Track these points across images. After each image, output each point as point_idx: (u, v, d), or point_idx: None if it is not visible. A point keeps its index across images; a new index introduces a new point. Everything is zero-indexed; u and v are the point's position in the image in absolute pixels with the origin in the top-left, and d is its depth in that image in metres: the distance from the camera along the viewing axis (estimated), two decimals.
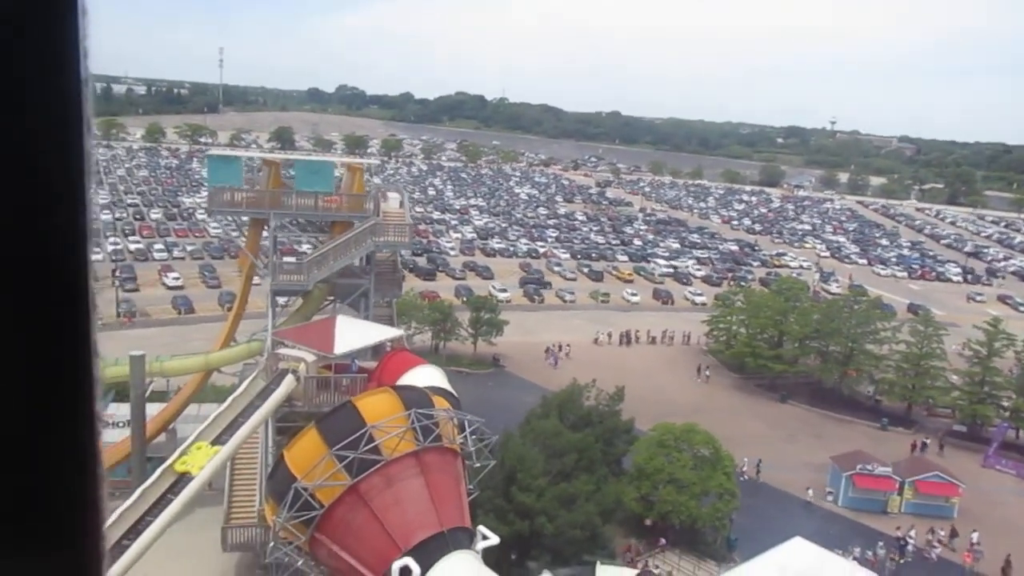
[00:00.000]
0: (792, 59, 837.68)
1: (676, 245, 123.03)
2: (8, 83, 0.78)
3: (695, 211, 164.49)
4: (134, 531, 26.48)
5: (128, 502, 27.45)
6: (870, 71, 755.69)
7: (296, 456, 24.05)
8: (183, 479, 26.55)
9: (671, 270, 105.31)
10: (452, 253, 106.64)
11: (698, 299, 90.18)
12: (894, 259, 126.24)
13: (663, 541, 39.76)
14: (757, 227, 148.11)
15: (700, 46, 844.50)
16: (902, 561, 41.43)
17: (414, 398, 25.21)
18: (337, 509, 23.49)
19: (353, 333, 34.64)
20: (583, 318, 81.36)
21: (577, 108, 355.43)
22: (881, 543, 41.75)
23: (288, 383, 31.93)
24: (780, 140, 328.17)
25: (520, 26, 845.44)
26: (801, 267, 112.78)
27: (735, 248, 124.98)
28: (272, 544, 24.64)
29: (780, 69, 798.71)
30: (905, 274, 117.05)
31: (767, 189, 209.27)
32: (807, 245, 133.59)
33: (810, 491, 47.30)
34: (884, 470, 46.17)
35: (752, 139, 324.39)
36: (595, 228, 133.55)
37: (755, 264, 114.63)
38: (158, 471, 27.08)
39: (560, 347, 68.72)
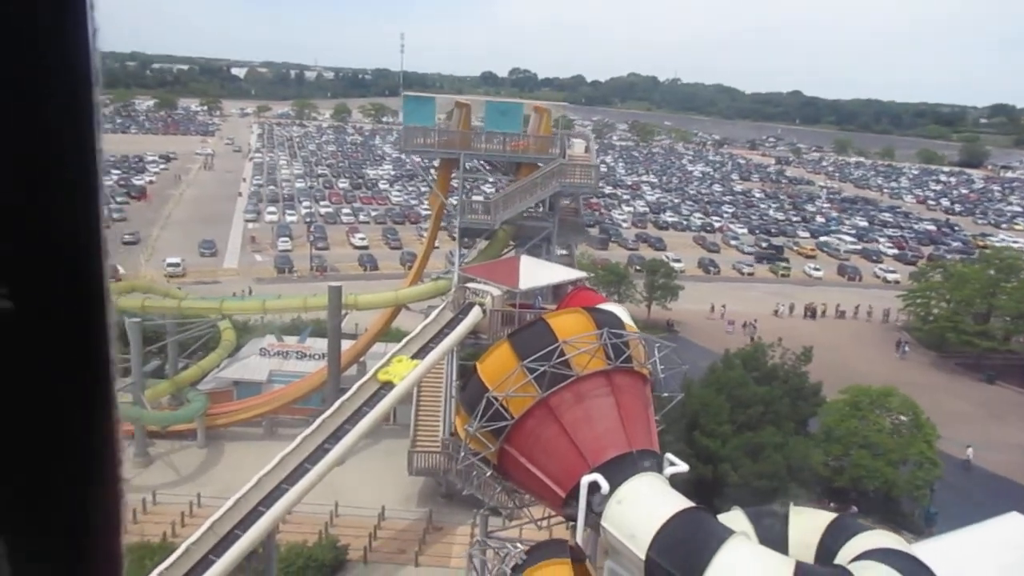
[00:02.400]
0: (1001, 32, 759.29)
1: (864, 223, 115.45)
2: (20, 62, 0.80)
3: (885, 191, 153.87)
4: (334, 437, 28.12)
5: (329, 411, 29.19)
6: None
7: (489, 368, 24.37)
8: (384, 388, 27.88)
9: (858, 247, 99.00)
10: (624, 225, 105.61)
11: (890, 276, 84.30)
12: None
13: (854, 508, 37.32)
14: (957, 208, 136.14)
15: (893, 23, 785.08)
16: None
17: (605, 319, 24.91)
18: (527, 422, 23.60)
19: (537, 271, 34.94)
20: (761, 291, 78.26)
21: (754, 88, 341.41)
22: None
23: (475, 314, 32.70)
24: (984, 120, 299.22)
25: (695, 5, 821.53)
26: (1009, 248, 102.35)
27: (932, 228, 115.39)
28: (463, 454, 25.25)
29: (986, 44, 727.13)
30: None
31: (968, 170, 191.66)
32: (1017, 226, 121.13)
33: (969, 450, 43.76)
34: None
35: (951, 118, 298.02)
36: (774, 205, 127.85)
37: (955, 244, 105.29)
38: (362, 380, 28.60)
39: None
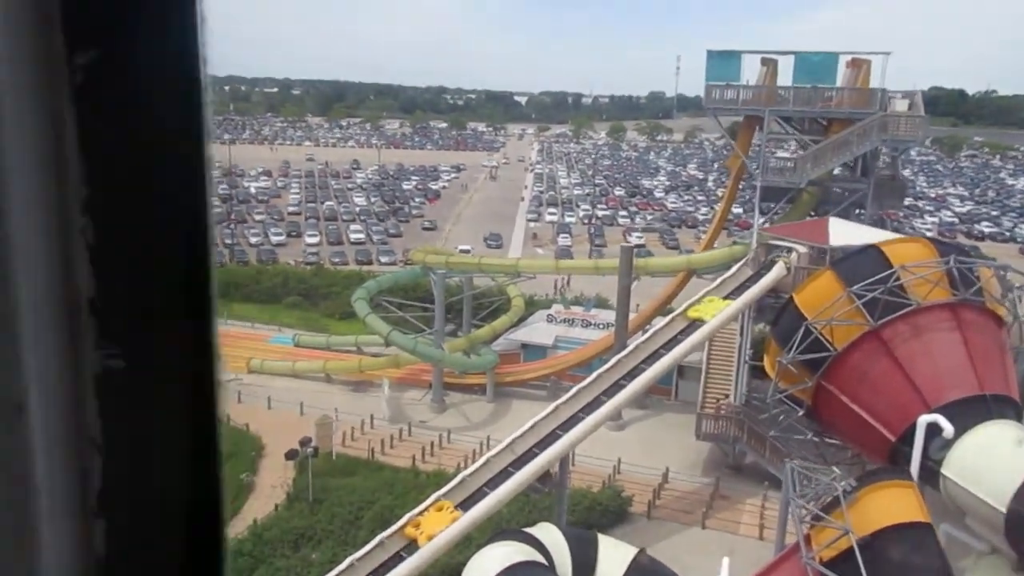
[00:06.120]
0: None
1: None
2: (131, 86, 0.79)
3: None
4: (631, 375, 27.61)
5: (626, 351, 28.79)
6: None
7: (808, 297, 22.49)
8: (694, 325, 27.00)
9: None
10: (929, 234, 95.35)
11: None
12: None
13: None
14: None
15: None
16: None
17: (951, 249, 22.04)
18: (852, 355, 21.32)
19: (849, 231, 32.03)
20: None
21: None
22: None
23: (778, 270, 30.66)
24: None
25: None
26: None
27: None
28: (771, 392, 23.48)
29: None
30: None
31: None
32: None
33: None
34: None
35: None
36: None
37: None
38: (671, 316, 27.97)
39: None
